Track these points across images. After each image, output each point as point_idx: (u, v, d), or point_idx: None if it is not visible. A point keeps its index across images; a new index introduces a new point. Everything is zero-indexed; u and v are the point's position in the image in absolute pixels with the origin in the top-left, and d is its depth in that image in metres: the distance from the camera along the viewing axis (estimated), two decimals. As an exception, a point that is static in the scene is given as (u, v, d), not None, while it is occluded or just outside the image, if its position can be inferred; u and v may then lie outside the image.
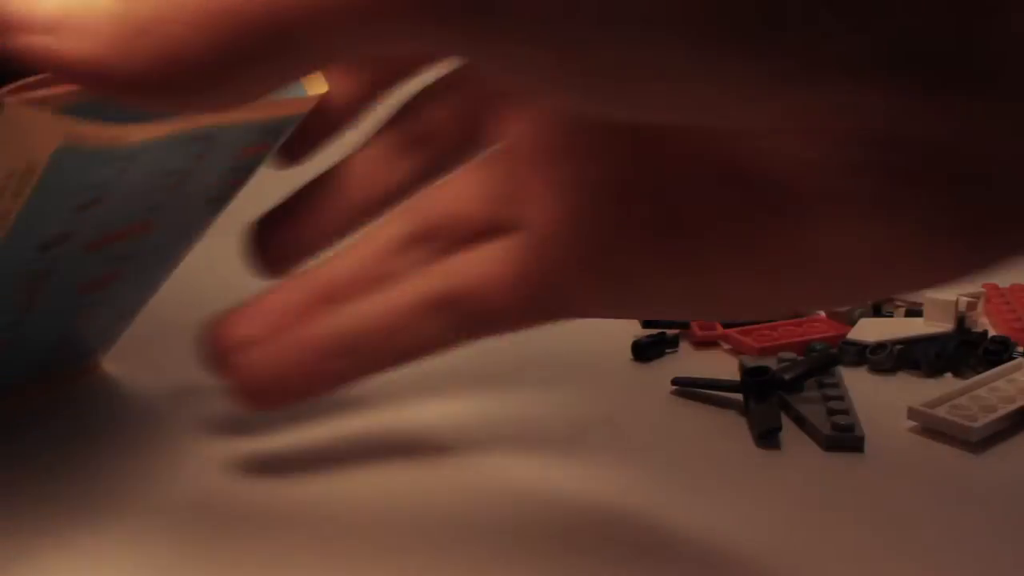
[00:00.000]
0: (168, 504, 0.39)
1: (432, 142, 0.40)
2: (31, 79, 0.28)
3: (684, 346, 0.57)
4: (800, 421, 0.46)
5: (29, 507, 0.38)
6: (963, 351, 0.53)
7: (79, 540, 0.36)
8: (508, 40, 0.20)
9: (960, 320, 0.57)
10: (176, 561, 0.35)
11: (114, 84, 0.23)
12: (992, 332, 0.58)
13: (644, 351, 0.55)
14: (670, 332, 0.57)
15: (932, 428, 0.45)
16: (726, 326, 0.58)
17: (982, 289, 0.64)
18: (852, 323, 0.57)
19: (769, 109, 0.21)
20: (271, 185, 0.43)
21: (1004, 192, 0.21)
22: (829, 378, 0.50)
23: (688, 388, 0.50)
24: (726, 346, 0.57)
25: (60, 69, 0.24)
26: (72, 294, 0.40)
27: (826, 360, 0.51)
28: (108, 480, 0.41)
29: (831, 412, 0.46)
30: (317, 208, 0.40)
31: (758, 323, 0.58)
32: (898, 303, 0.61)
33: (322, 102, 0.39)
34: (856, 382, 0.51)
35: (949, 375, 0.53)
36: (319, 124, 0.40)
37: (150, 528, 0.37)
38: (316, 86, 0.38)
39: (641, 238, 0.29)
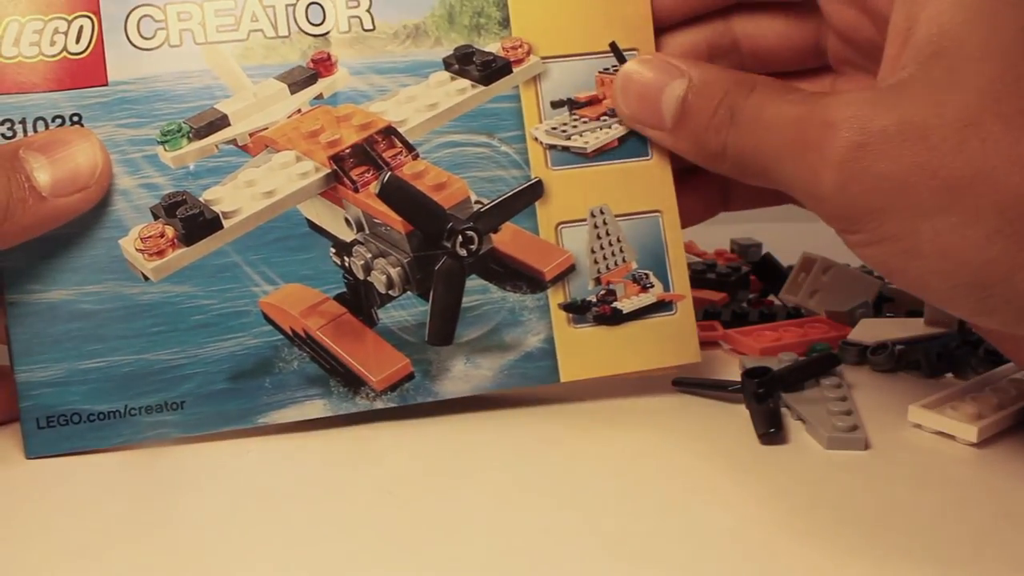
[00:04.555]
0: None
1: None
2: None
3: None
4: (802, 421, 0.46)
5: None
6: (964, 351, 0.53)
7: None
8: None
9: (961, 321, 0.56)
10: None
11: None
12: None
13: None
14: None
15: (933, 428, 0.45)
16: (727, 327, 0.58)
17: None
18: (853, 324, 0.57)
19: None
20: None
21: None
22: (830, 378, 0.49)
23: (689, 388, 0.50)
24: (727, 346, 0.57)
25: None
26: None
27: (827, 360, 0.50)
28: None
29: (832, 412, 0.45)
30: None
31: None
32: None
33: None
34: (857, 382, 0.51)
35: (950, 375, 0.53)
36: None
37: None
38: None
39: None
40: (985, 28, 0.38)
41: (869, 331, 0.56)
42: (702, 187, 0.51)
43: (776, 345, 0.55)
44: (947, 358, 0.52)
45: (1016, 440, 0.44)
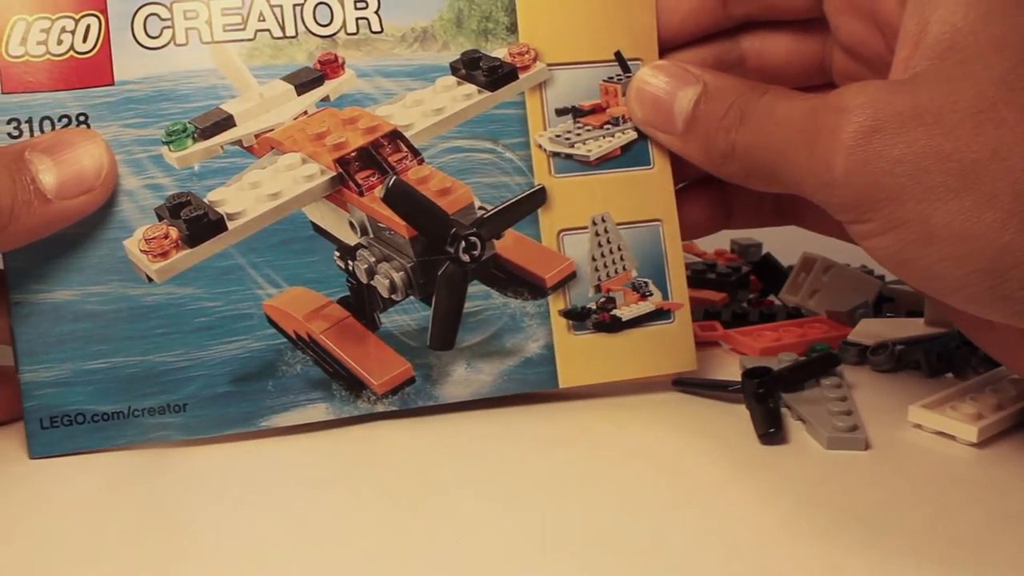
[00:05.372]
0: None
1: None
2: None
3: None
4: (802, 421, 0.46)
5: None
6: (964, 351, 0.53)
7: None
8: None
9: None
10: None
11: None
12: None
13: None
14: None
15: (933, 428, 0.45)
16: (727, 327, 0.58)
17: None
18: (853, 324, 0.57)
19: None
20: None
21: None
22: (830, 378, 0.49)
23: (689, 388, 0.50)
24: (727, 346, 0.57)
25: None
26: None
27: (827, 361, 0.50)
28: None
29: (832, 412, 0.46)
30: None
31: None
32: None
33: None
34: (857, 382, 0.51)
35: (950, 375, 0.53)
36: None
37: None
38: None
39: None
40: (997, 25, 0.38)
41: (869, 331, 0.56)
42: (705, 202, 0.51)
43: (776, 345, 0.55)
44: (947, 358, 0.53)
45: (1016, 440, 0.45)
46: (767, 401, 0.46)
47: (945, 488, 0.40)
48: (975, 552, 0.36)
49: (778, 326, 0.58)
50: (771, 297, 0.65)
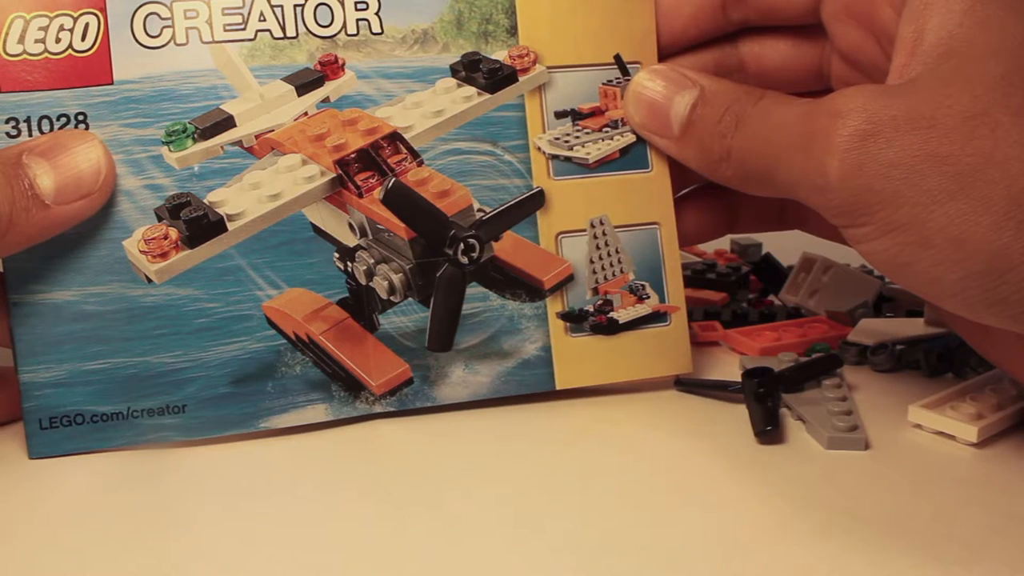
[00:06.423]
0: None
1: None
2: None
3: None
4: (802, 421, 0.46)
5: None
6: (964, 351, 0.53)
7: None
8: None
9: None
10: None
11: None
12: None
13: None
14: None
15: (933, 428, 0.45)
16: (727, 327, 0.58)
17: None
18: (853, 324, 0.57)
19: None
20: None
21: None
22: (831, 378, 0.50)
23: (690, 388, 0.50)
24: (727, 346, 0.57)
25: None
26: None
27: (828, 361, 0.51)
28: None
29: (832, 412, 0.46)
30: None
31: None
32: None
33: None
34: (857, 382, 0.52)
35: (950, 375, 0.53)
36: None
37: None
38: None
39: None
40: (992, 32, 0.38)
41: (869, 331, 0.56)
42: (709, 208, 0.52)
43: (776, 345, 0.55)
44: (947, 358, 0.53)
45: (1016, 440, 0.45)
46: (766, 400, 0.46)
47: (945, 488, 0.41)
48: (975, 552, 0.36)
49: (778, 326, 0.58)
50: (771, 297, 0.65)
